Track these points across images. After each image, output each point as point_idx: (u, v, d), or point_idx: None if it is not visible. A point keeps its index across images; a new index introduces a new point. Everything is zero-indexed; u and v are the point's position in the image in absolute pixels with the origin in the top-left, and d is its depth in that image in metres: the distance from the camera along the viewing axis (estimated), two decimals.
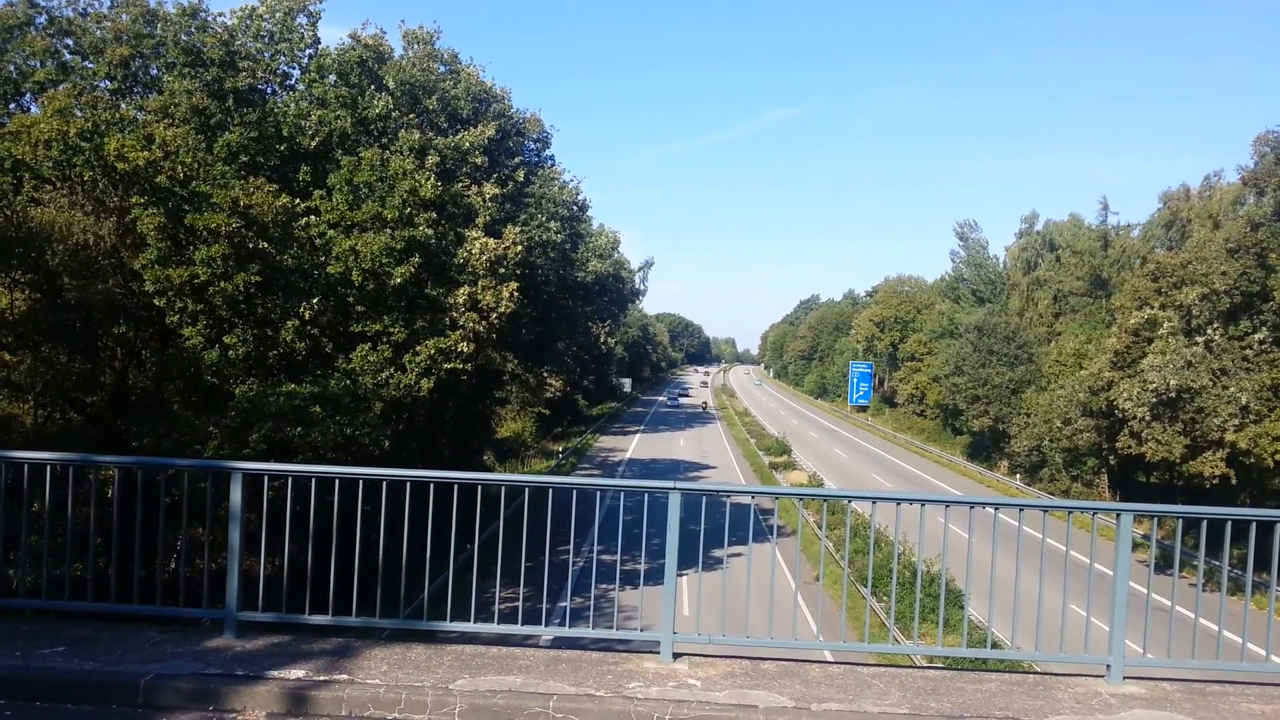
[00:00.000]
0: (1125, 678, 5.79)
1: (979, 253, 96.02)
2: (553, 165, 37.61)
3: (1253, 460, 36.88)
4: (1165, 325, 40.78)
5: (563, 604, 24.65)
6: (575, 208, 37.91)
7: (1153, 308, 42.89)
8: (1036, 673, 6.06)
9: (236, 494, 5.90)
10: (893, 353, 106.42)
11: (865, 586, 27.25)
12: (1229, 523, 6.10)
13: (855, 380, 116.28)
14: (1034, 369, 65.97)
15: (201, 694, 5.02)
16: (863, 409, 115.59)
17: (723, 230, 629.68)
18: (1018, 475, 62.74)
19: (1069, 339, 63.97)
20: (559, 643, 6.52)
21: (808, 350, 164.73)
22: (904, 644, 20.32)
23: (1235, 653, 6.42)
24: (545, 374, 56.52)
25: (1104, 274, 67.67)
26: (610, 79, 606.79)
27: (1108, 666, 5.82)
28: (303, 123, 26.43)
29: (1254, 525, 6.28)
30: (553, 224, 33.92)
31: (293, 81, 28.84)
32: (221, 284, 21.81)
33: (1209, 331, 39.10)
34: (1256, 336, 38.16)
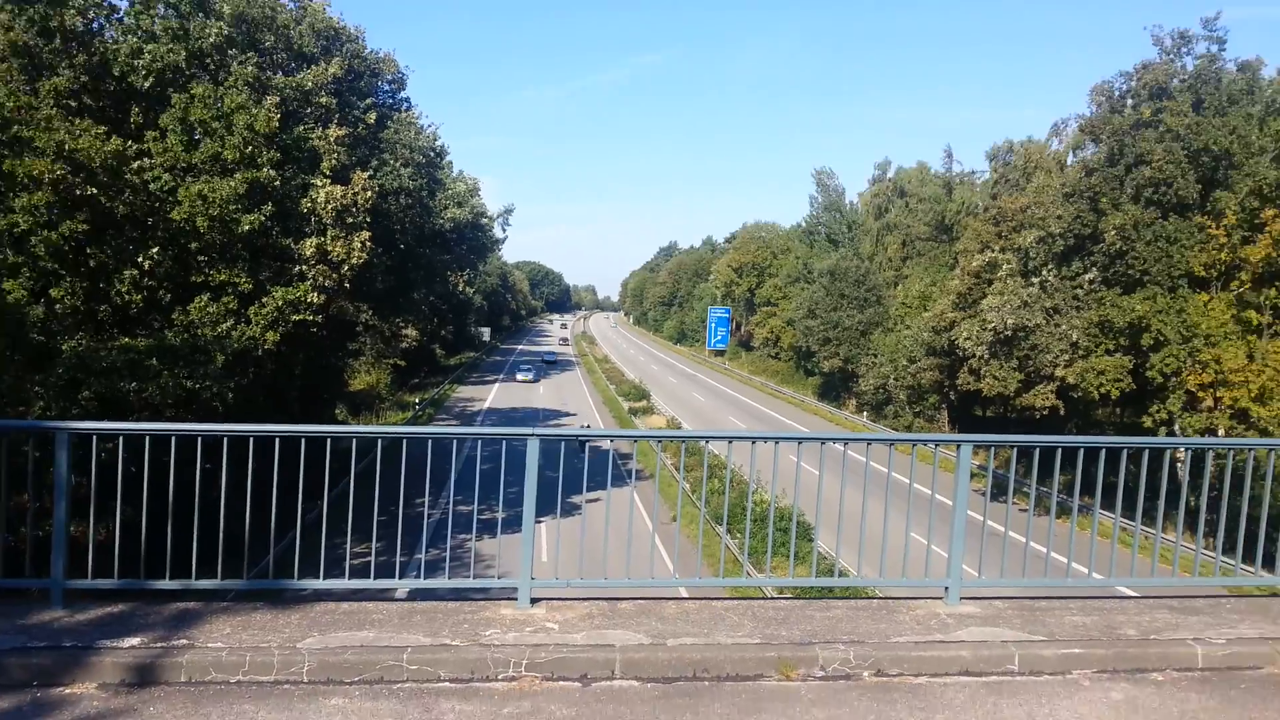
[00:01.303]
0: (962, 599, 6.10)
1: (835, 198, 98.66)
2: (408, 109, 36.35)
3: (1080, 393, 39.37)
4: (1004, 267, 42.88)
5: (419, 556, 24.33)
6: (432, 153, 36.77)
7: (994, 251, 45.03)
8: (880, 598, 6.33)
9: (62, 456, 5.52)
10: (750, 298, 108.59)
11: (721, 525, 27.92)
12: (1059, 450, 6.47)
13: (713, 325, 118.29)
14: (882, 311, 68.43)
15: (25, 670, 4.70)
16: (720, 353, 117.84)
17: (585, 178, 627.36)
18: (865, 413, 65.31)
19: (915, 282, 66.53)
20: (415, 595, 6.42)
21: (668, 297, 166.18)
22: (756, 577, 21.01)
23: (1061, 571, 6.89)
24: (401, 324, 55.18)
25: (947, 219, 70.48)
26: (477, 24, 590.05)
27: (946, 589, 6.13)
28: (135, 62, 24.68)
29: (1081, 452, 6.75)
30: (405, 170, 32.83)
31: (120, 16, 26.84)
32: (45, 233, 20.36)
33: (1044, 273, 41.31)
34: (1087, 277, 40.51)
